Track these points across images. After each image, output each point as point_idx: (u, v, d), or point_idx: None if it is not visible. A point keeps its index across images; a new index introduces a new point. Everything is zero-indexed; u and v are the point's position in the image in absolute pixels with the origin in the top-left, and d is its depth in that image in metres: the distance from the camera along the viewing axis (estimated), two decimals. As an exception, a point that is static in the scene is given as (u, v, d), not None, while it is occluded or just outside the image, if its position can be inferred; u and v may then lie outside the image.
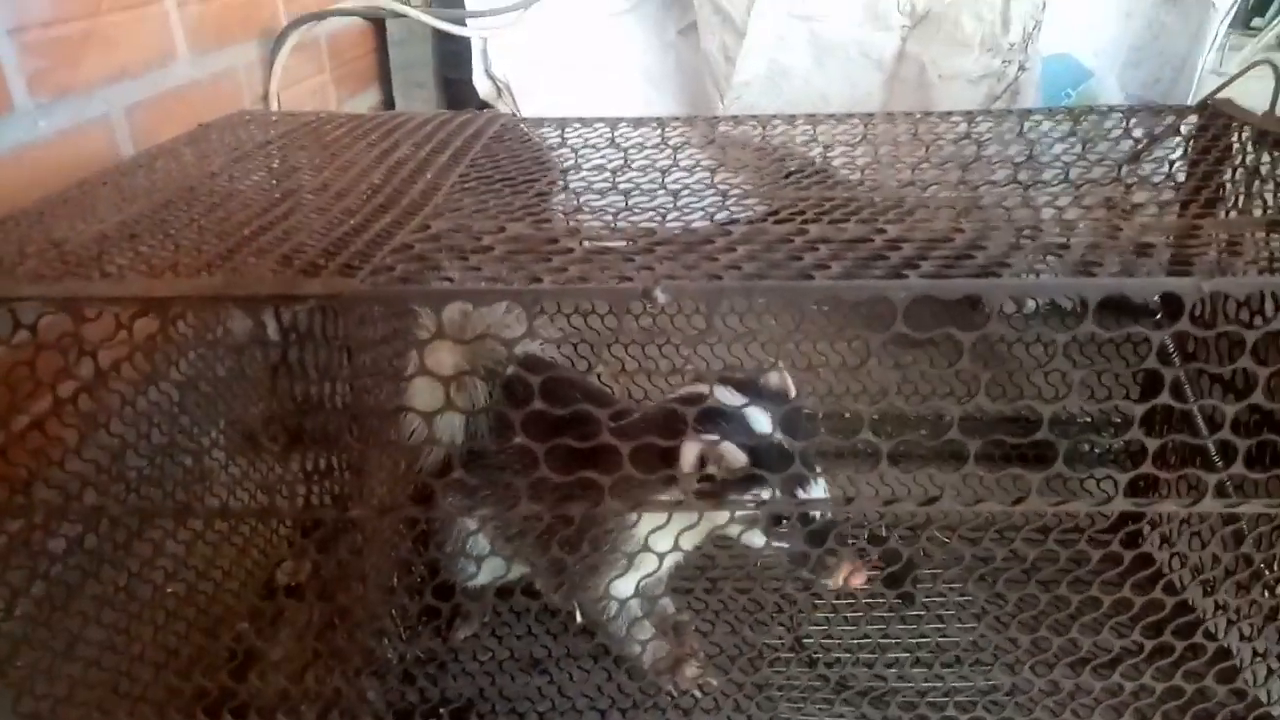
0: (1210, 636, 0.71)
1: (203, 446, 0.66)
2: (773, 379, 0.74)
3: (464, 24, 1.59)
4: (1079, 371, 0.50)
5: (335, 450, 0.55)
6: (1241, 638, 0.78)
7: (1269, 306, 0.51)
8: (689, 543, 0.70)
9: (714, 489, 0.69)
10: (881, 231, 0.59)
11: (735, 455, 0.68)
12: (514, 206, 0.67)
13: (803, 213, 0.66)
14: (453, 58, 1.77)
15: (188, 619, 0.75)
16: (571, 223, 0.69)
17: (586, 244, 0.57)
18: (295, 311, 0.50)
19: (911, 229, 0.60)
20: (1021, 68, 1.31)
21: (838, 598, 0.90)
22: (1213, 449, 0.70)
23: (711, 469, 0.69)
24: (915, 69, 1.37)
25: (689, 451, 0.68)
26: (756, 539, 0.72)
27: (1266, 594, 0.74)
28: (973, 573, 0.83)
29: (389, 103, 1.89)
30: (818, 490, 0.70)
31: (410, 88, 1.86)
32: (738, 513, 0.69)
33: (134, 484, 0.63)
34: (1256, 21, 4.33)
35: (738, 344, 0.98)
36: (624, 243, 0.60)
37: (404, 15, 1.58)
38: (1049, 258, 0.55)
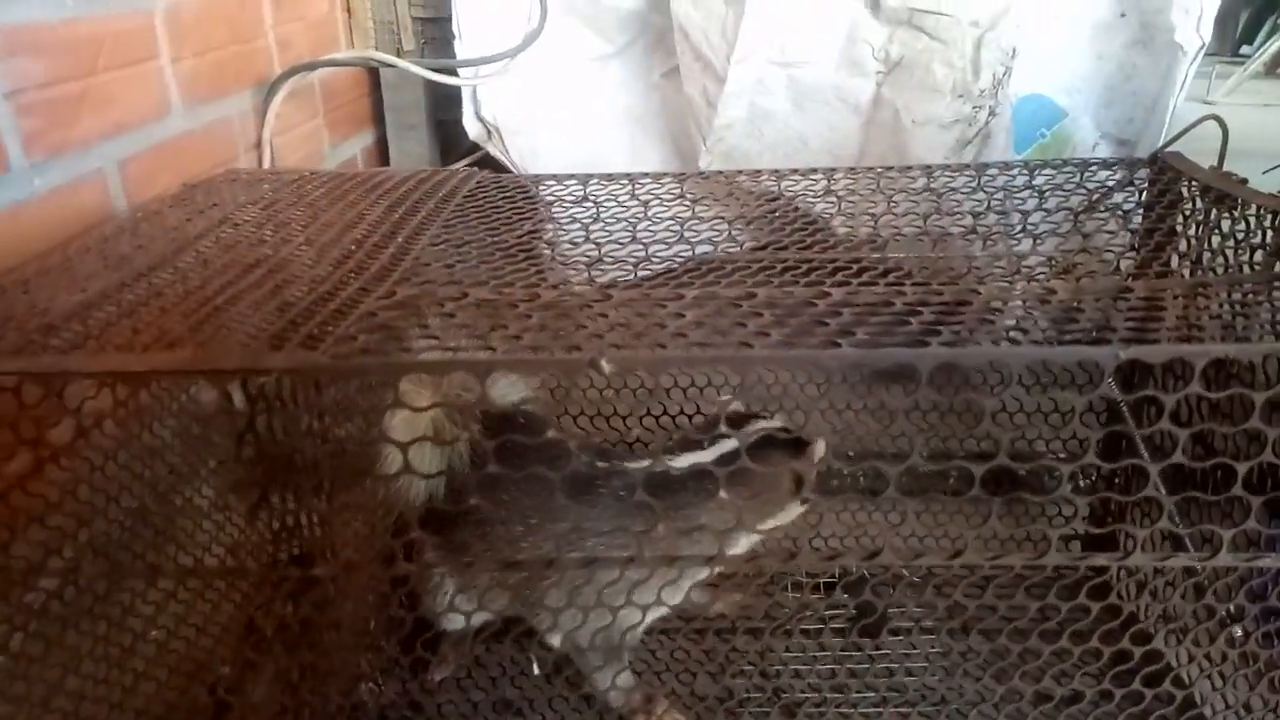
0: (1156, 680, 0.73)
1: (174, 507, 0.69)
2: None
3: (455, 73, 1.63)
4: (1007, 433, 0.52)
5: (301, 511, 0.57)
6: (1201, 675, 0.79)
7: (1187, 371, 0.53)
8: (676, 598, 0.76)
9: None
10: (826, 295, 0.62)
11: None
12: (480, 270, 0.70)
13: (755, 274, 0.69)
14: (445, 100, 1.81)
15: (168, 665, 0.77)
16: (537, 280, 0.72)
17: (543, 311, 0.60)
18: (261, 382, 0.52)
19: (856, 292, 0.63)
20: (992, 113, 1.35)
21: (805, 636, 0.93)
22: (1162, 505, 0.72)
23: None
24: (890, 114, 1.40)
25: (820, 447, 0.81)
26: None
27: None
28: (921, 621, 0.86)
29: (382, 144, 1.94)
30: None
31: (403, 129, 1.91)
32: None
33: (109, 541, 0.65)
34: (1245, 49, 4.38)
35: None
36: (582, 307, 0.63)
37: (395, 66, 1.63)
38: (982, 324, 0.58)
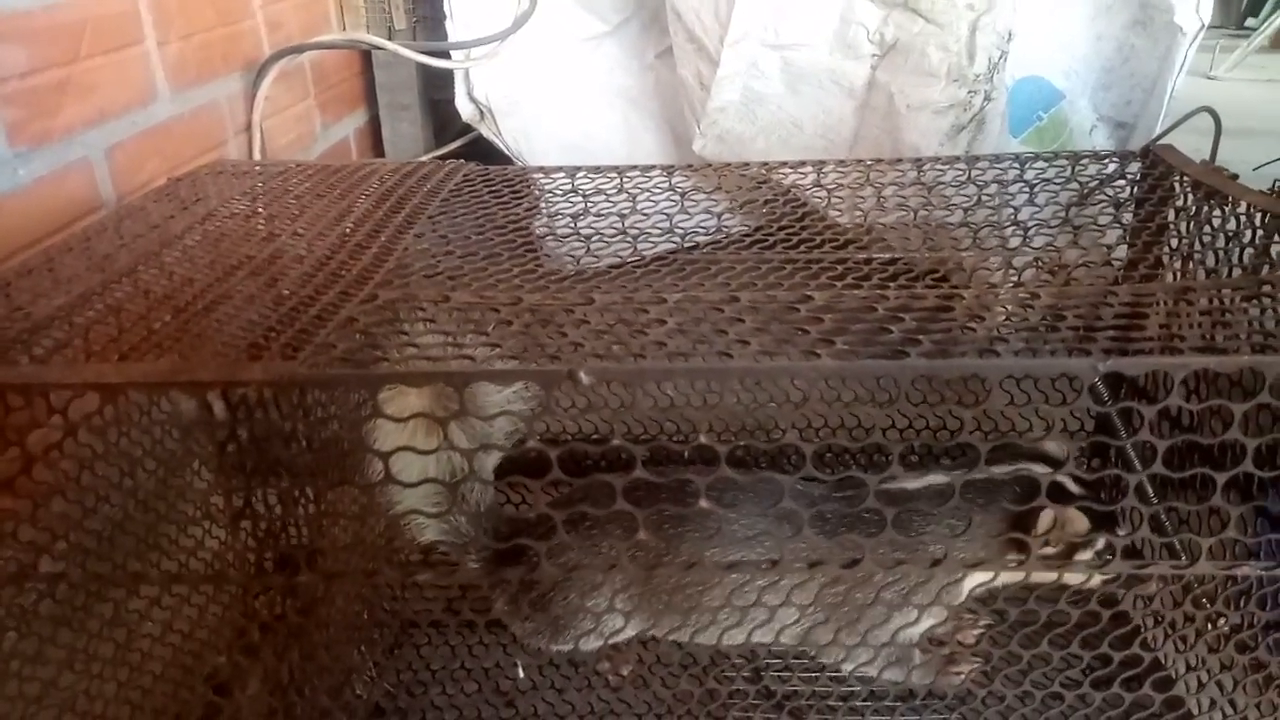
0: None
1: (157, 514, 0.69)
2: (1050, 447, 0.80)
3: (448, 55, 1.61)
4: (988, 442, 0.52)
5: (286, 516, 0.58)
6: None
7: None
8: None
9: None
10: (808, 299, 0.62)
11: (1080, 520, 0.73)
12: (464, 270, 0.70)
13: (739, 275, 0.69)
14: (438, 80, 1.80)
15: (163, 658, 0.78)
16: (521, 280, 0.71)
17: (525, 316, 0.60)
18: (241, 392, 0.52)
19: (839, 296, 0.63)
20: (988, 98, 1.33)
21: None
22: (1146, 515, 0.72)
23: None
24: (884, 98, 1.39)
25: (1045, 518, 0.71)
26: None
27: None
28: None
29: (375, 124, 1.92)
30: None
31: (396, 110, 1.89)
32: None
33: (96, 545, 0.65)
34: (1250, 22, 4.33)
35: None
36: (565, 311, 0.63)
37: (385, 48, 1.61)
38: (966, 330, 0.58)
